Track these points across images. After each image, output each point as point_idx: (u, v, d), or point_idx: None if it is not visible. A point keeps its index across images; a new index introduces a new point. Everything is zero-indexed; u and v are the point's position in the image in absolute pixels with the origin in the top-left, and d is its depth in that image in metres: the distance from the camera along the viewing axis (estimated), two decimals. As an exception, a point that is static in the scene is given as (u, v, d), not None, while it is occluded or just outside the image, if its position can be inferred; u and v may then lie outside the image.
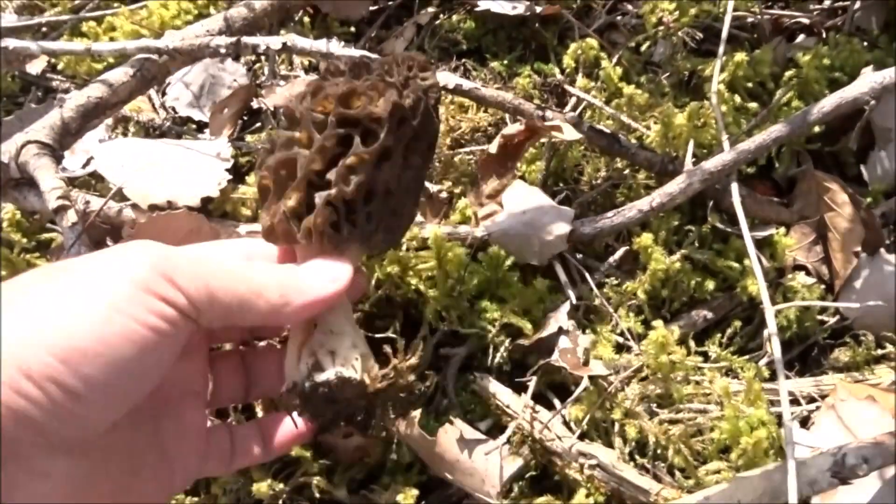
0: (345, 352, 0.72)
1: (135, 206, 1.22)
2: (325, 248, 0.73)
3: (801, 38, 1.47)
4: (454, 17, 1.46)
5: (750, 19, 1.46)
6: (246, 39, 1.23)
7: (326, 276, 0.72)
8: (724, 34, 1.20)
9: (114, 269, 0.61)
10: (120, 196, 1.22)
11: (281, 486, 1.05)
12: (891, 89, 1.06)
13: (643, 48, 1.37)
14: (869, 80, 1.06)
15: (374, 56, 0.87)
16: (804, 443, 1.06)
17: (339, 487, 1.07)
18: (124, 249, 0.64)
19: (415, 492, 1.02)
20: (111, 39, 1.50)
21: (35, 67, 1.55)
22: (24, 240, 1.32)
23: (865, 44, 1.42)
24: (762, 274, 1.00)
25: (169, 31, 1.31)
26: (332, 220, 0.73)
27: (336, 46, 1.22)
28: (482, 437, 1.07)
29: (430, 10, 1.48)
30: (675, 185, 1.14)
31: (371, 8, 1.52)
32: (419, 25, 1.47)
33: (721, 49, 1.20)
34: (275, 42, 1.23)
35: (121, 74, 1.27)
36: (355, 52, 1.21)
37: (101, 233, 1.24)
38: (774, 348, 0.94)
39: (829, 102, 1.08)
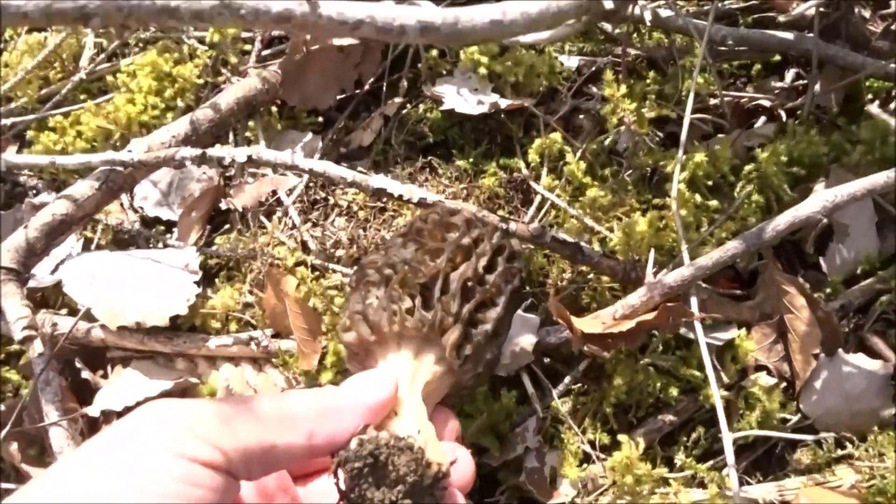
0: (403, 426, 0.71)
1: (104, 326, 1.23)
2: (404, 341, 0.82)
3: (761, 121, 1.49)
4: (421, 108, 1.47)
5: (712, 101, 1.48)
6: (211, 152, 1.23)
7: (366, 388, 0.71)
8: (683, 137, 1.22)
9: (144, 445, 0.60)
10: (88, 316, 1.22)
11: None
12: (841, 205, 1.08)
13: (607, 141, 1.38)
14: (820, 198, 1.08)
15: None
16: (766, 555, 1.09)
17: None
18: (151, 416, 0.63)
19: None
20: (78, 134, 1.49)
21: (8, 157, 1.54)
22: (-6, 351, 1.32)
23: (825, 124, 1.44)
24: (721, 402, 1.03)
25: (134, 141, 1.31)
26: (408, 306, 0.82)
27: (300, 159, 1.23)
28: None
29: (397, 100, 1.48)
30: (636, 298, 1.16)
31: (339, 97, 1.52)
32: (386, 116, 1.48)
33: (680, 152, 1.22)
34: (240, 154, 1.23)
35: (86, 188, 1.27)
36: (317, 165, 1.22)
37: (69, 353, 1.25)
38: (733, 481, 0.97)
39: (783, 220, 1.11)
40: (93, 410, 1.17)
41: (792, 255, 1.38)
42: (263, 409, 0.66)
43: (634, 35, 1.57)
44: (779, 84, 1.56)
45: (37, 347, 1.12)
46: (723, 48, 1.51)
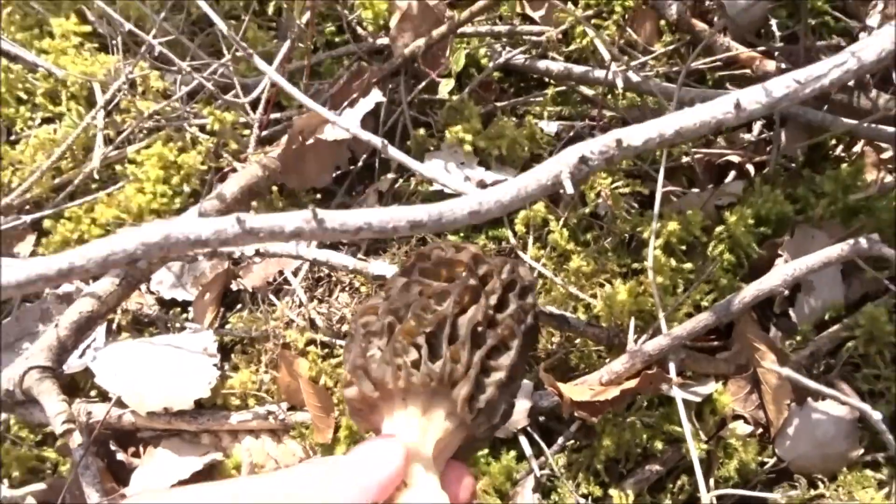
0: (419, 498, 0.68)
1: (133, 411, 1.34)
2: (409, 398, 0.74)
3: (730, 177, 1.60)
4: (412, 182, 1.58)
5: (685, 158, 1.59)
6: (220, 247, 1.34)
7: (373, 463, 0.68)
8: (657, 210, 1.32)
9: None
10: (118, 402, 1.33)
11: None
12: (800, 277, 1.19)
13: (587, 209, 1.49)
14: (781, 272, 1.20)
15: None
16: None
17: None
18: None
19: None
20: (92, 221, 1.60)
21: (24, 249, 1.65)
22: (31, 436, 1.43)
23: (792, 173, 1.55)
24: (699, 460, 1.14)
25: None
26: (413, 358, 0.74)
27: (304, 250, 1.34)
28: None
29: (390, 175, 1.59)
30: (619, 365, 1.27)
31: (334, 174, 1.63)
32: (380, 192, 1.58)
33: (654, 223, 1.32)
34: (248, 248, 1.34)
35: (108, 284, 1.37)
36: (320, 255, 1.33)
37: (104, 436, 1.36)
38: (711, 538, 1.08)
39: (748, 293, 1.22)
40: (131, 492, 1.28)
41: (765, 305, 1.49)
42: (270, 494, 0.66)
43: (609, 97, 1.68)
44: (747, 136, 1.67)
45: (76, 438, 1.23)
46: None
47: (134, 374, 1.34)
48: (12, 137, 1.76)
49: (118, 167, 1.66)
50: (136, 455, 1.35)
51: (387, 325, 0.77)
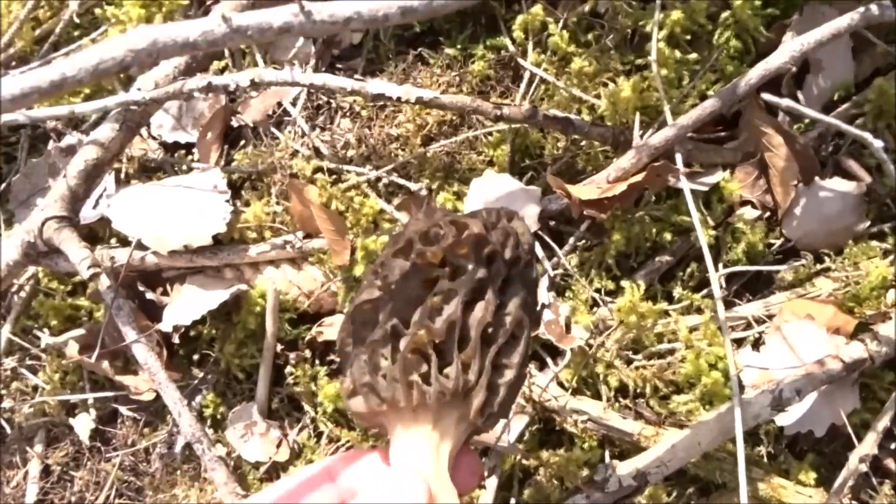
0: None
1: (155, 252, 1.37)
2: (419, 413, 0.71)
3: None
4: (402, -4, 1.51)
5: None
6: (215, 81, 1.31)
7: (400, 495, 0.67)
8: (659, 0, 1.27)
9: None
10: (139, 245, 1.37)
11: None
12: (809, 52, 1.16)
13: (587, 7, 1.43)
14: (788, 49, 1.16)
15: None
16: (755, 364, 1.28)
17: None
18: None
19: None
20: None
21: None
22: (62, 286, 1.48)
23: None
24: (708, 245, 1.17)
25: (140, 78, 1.39)
26: (422, 371, 0.69)
27: (300, 75, 1.31)
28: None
29: (378, -8, 1.52)
30: (626, 161, 1.28)
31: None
32: None
33: (657, 13, 1.28)
34: (243, 79, 1.31)
35: (108, 131, 1.37)
36: (317, 79, 1.30)
37: (130, 279, 1.41)
38: (719, 310, 1.13)
39: (754, 74, 1.19)
40: (165, 326, 1.34)
41: (773, 90, 1.46)
42: None
43: None
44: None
45: (104, 281, 1.27)
46: None
47: (150, 216, 1.36)
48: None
49: (97, 11, 1.60)
50: (165, 294, 1.40)
51: (390, 331, 0.72)
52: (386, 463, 0.74)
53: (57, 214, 1.31)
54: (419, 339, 0.69)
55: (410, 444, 0.71)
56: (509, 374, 0.74)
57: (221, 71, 1.54)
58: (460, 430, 0.73)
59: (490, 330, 0.73)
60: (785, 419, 1.22)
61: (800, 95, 1.43)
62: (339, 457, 0.78)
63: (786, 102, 0.88)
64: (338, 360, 1.35)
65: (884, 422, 1.18)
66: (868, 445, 1.15)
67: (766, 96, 0.92)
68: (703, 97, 1.34)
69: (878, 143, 0.88)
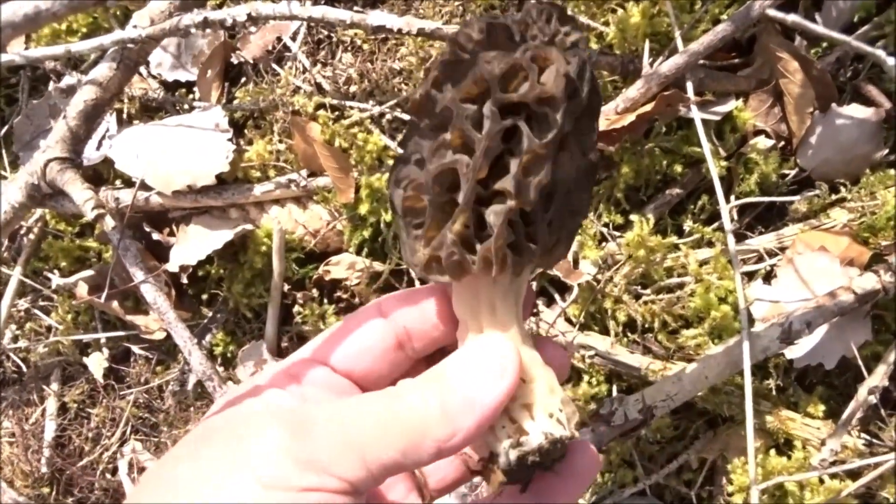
0: (544, 403, 0.62)
1: (160, 193, 1.37)
2: (500, 278, 0.62)
3: None
4: (403, -78, 1.45)
5: None
6: (212, 16, 1.27)
7: (491, 372, 0.59)
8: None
9: (244, 463, 0.54)
10: (143, 186, 1.36)
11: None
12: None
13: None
14: (806, -33, 1.10)
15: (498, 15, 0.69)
16: (766, 298, 1.26)
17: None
18: (257, 430, 0.56)
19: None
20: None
21: (14, 49, 1.60)
22: (70, 228, 1.48)
23: None
24: (719, 177, 1.14)
25: (136, 15, 1.35)
26: (511, 239, 0.60)
27: (298, 8, 1.27)
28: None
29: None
30: (635, 91, 1.24)
31: (318, -76, 1.50)
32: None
33: (668, -68, 1.22)
34: (240, 14, 1.27)
35: (106, 70, 1.34)
36: (315, 12, 1.26)
37: (136, 220, 1.40)
38: (730, 245, 1.11)
39: (769, -5, 1.13)
40: (171, 266, 1.35)
41: (789, 13, 1.40)
42: (385, 423, 0.57)
43: None
44: None
45: (109, 222, 1.27)
46: None
47: (152, 155, 1.35)
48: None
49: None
50: (172, 234, 1.40)
51: (439, 203, 0.63)
52: (446, 309, 0.67)
53: (59, 156, 1.30)
54: (513, 210, 0.60)
55: (487, 303, 0.63)
56: (579, 219, 0.68)
57: (220, 6, 1.50)
58: (529, 279, 0.68)
59: (571, 182, 0.64)
60: (795, 352, 1.21)
61: (818, 19, 1.38)
62: (391, 296, 0.70)
63: (791, 17, 0.84)
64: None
65: (894, 352, 1.16)
66: (878, 377, 1.14)
67: (773, 12, 0.87)
68: (716, 22, 1.29)
69: (891, 61, 0.84)
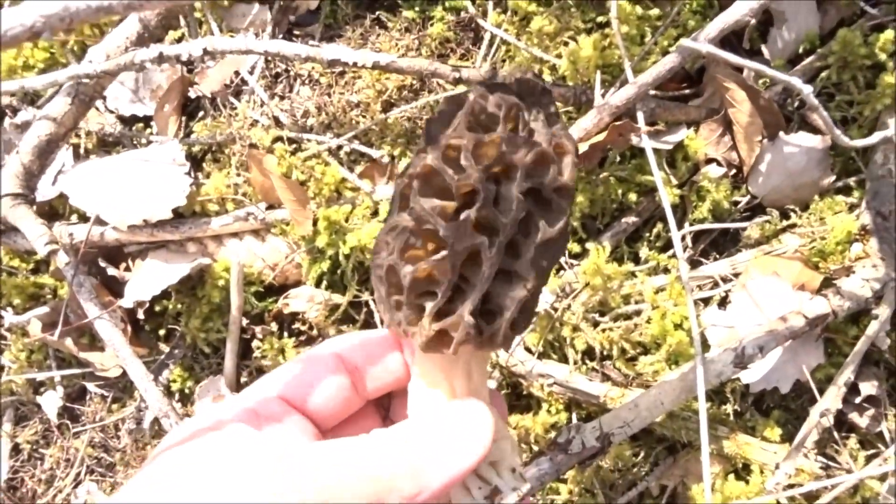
0: (509, 460, 0.66)
1: (115, 228, 1.35)
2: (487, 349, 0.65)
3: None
4: (359, -41, 1.47)
5: None
6: (167, 51, 1.27)
7: (468, 437, 0.61)
8: (618, -48, 1.24)
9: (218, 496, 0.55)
10: (98, 220, 1.35)
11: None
12: (766, 3, 1.14)
13: (546, -37, 1.39)
14: (746, 3, 1.14)
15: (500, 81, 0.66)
16: (721, 323, 1.28)
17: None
18: (229, 463, 0.58)
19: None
20: (34, 45, 1.52)
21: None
22: (24, 265, 1.46)
23: None
24: (670, 205, 1.15)
25: (92, 49, 1.35)
26: (515, 317, 0.63)
27: (254, 42, 1.28)
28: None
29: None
30: (588, 121, 1.26)
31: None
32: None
33: (616, -32, 1.25)
34: (196, 48, 1.28)
35: (61, 105, 1.34)
36: (271, 46, 1.27)
37: (91, 255, 1.39)
38: (683, 272, 1.13)
39: (713, 28, 1.17)
40: (126, 302, 1.33)
41: (737, 46, 1.44)
42: (355, 473, 0.58)
43: None
44: None
45: (62, 258, 1.26)
46: None
47: (108, 191, 1.34)
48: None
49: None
50: (128, 270, 1.39)
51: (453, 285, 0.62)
52: (400, 356, 0.71)
53: (12, 192, 1.29)
54: (527, 295, 0.62)
55: (464, 369, 0.65)
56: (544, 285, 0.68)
57: (177, 41, 1.51)
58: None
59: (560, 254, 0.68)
60: (750, 376, 1.22)
61: (764, 50, 1.42)
62: (347, 338, 0.72)
63: (706, 48, 0.87)
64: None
65: (845, 375, 1.18)
66: (829, 400, 1.16)
67: (689, 43, 0.90)
68: (665, 54, 1.32)
69: (808, 89, 0.86)
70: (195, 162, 1.45)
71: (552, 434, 1.20)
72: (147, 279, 1.33)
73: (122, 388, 1.41)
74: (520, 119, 0.62)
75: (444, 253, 0.60)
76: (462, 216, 0.60)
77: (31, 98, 1.56)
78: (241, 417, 0.64)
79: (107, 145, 1.50)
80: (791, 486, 1.15)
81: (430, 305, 0.62)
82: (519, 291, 0.62)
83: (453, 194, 0.60)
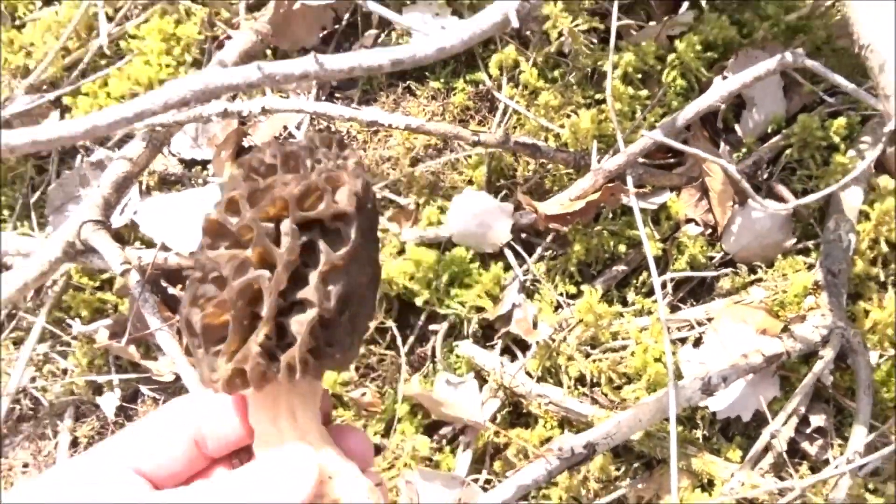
0: (351, 497, 0.65)
1: (177, 253, 1.57)
2: (301, 383, 0.65)
3: (684, 7, 1.74)
4: (393, 36, 1.73)
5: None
6: (231, 107, 1.51)
7: (288, 484, 0.63)
8: (612, 43, 1.49)
9: None
10: (163, 247, 1.57)
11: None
12: (735, 92, 1.39)
13: (553, 48, 1.64)
14: (718, 90, 1.39)
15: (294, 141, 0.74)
16: (694, 359, 1.49)
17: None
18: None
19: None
20: (108, 95, 1.76)
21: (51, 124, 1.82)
22: (91, 282, 1.67)
23: (738, 3, 1.69)
24: (653, 257, 1.38)
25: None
26: (313, 345, 0.64)
27: (305, 103, 1.52)
28: (463, 379, 1.49)
29: (372, 31, 1.74)
30: (585, 182, 1.49)
31: (321, 34, 1.77)
32: (365, 47, 1.74)
33: (611, 55, 1.49)
34: (256, 107, 1.51)
35: (137, 147, 1.57)
36: (320, 107, 1.51)
37: (155, 276, 1.60)
38: (661, 313, 1.34)
39: (690, 111, 1.41)
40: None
41: (715, 124, 1.69)
42: None
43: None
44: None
45: (133, 276, 1.47)
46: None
47: (172, 222, 1.56)
48: (17, 23, 1.89)
49: (122, 43, 1.80)
50: (183, 289, 1.60)
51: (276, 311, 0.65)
52: (242, 413, 0.69)
53: (94, 218, 1.51)
54: (317, 319, 0.64)
55: (287, 409, 0.66)
56: (368, 321, 0.72)
57: (233, 98, 1.75)
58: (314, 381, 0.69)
59: (364, 288, 0.70)
60: (717, 405, 1.43)
61: (738, 129, 1.66)
62: (188, 397, 0.72)
63: (653, 135, 1.10)
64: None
65: (793, 403, 1.39)
66: (778, 423, 1.37)
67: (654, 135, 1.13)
68: (652, 128, 1.56)
69: (732, 168, 1.10)
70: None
71: (547, 445, 1.40)
72: (201, 299, 1.55)
73: (172, 392, 1.60)
74: (301, 165, 0.66)
75: (224, 292, 0.62)
76: (240, 254, 0.63)
77: (101, 140, 1.79)
78: (80, 479, 0.65)
79: (168, 183, 1.73)
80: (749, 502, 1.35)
81: (223, 347, 0.63)
82: (307, 316, 0.63)
83: (239, 240, 0.64)
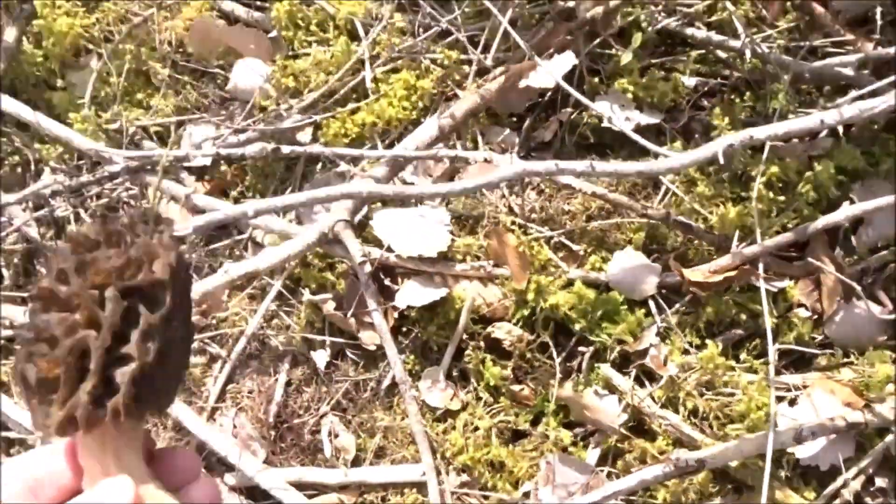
0: None
1: (398, 256, 2.06)
2: (125, 425, 0.70)
3: (823, 133, 2.14)
4: (585, 115, 2.18)
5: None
6: (460, 153, 1.99)
7: None
8: (764, 156, 1.91)
9: None
10: (388, 248, 2.05)
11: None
12: (856, 214, 1.78)
13: (714, 149, 2.06)
14: (845, 211, 1.78)
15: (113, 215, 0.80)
16: (789, 415, 1.87)
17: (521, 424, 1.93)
18: None
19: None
20: (353, 122, 2.27)
21: (304, 137, 2.34)
22: (320, 263, 2.17)
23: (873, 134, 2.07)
24: (770, 329, 1.77)
25: (406, 139, 2.09)
26: (135, 393, 0.70)
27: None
28: (607, 393, 1.91)
29: (568, 109, 2.20)
30: (724, 260, 1.90)
31: (528, 103, 2.25)
32: (560, 121, 2.20)
33: (762, 165, 1.91)
34: (479, 156, 1.99)
35: (382, 171, 2.07)
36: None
37: (375, 268, 2.09)
38: (771, 371, 1.73)
39: (820, 223, 1.81)
40: (400, 304, 2.00)
41: (836, 232, 2.07)
42: None
43: (738, 61, 2.22)
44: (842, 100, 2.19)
45: (366, 268, 1.96)
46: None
47: (398, 231, 2.04)
48: (290, 53, 2.43)
49: (370, 84, 2.32)
50: (394, 282, 2.07)
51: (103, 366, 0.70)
52: (75, 458, 0.72)
53: (344, 218, 2.01)
54: (137, 371, 0.70)
55: (113, 451, 0.71)
56: (184, 371, 0.80)
57: (452, 145, 2.24)
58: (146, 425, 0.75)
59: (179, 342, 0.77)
60: (802, 453, 1.80)
61: (853, 239, 2.04)
62: (28, 459, 0.73)
63: (786, 236, 1.49)
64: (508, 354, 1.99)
65: (863, 463, 1.76)
66: (851, 473, 1.73)
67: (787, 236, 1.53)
68: (784, 228, 1.96)
69: (844, 277, 1.48)
70: (456, 223, 2.14)
71: (665, 454, 1.80)
72: (410, 293, 2.02)
73: (372, 359, 2.07)
74: (123, 241, 0.74)
75: (56, 350, 0.69)
76: (70, 317, 0.70)
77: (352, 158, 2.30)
78: None
79: (393, 201, 2.22)
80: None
81: (56, 396, 0.69)
82: (130, 368, 0.69)
83: (68, 305, 0.71)
